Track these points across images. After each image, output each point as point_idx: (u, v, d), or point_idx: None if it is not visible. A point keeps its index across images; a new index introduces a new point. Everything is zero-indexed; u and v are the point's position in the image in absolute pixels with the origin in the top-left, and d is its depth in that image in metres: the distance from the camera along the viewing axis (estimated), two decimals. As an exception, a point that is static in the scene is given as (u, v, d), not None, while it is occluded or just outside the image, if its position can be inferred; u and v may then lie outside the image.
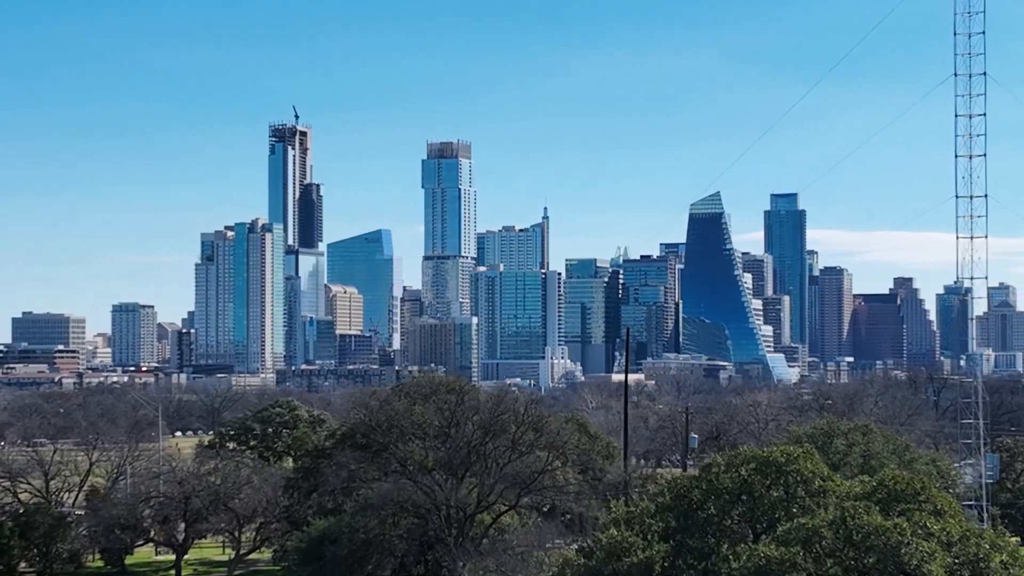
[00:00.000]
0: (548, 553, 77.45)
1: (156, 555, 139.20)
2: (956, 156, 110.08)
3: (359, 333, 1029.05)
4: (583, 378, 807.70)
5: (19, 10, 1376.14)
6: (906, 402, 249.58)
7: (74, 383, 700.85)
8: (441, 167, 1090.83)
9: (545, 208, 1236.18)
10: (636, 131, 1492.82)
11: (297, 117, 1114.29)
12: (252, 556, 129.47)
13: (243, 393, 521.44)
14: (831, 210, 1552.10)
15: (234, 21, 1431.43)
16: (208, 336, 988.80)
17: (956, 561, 55.37)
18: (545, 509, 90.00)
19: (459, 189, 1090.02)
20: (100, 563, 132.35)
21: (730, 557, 54.28)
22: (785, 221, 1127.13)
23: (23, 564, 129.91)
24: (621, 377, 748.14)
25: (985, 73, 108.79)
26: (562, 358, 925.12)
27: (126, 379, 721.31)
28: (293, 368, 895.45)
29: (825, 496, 57.59)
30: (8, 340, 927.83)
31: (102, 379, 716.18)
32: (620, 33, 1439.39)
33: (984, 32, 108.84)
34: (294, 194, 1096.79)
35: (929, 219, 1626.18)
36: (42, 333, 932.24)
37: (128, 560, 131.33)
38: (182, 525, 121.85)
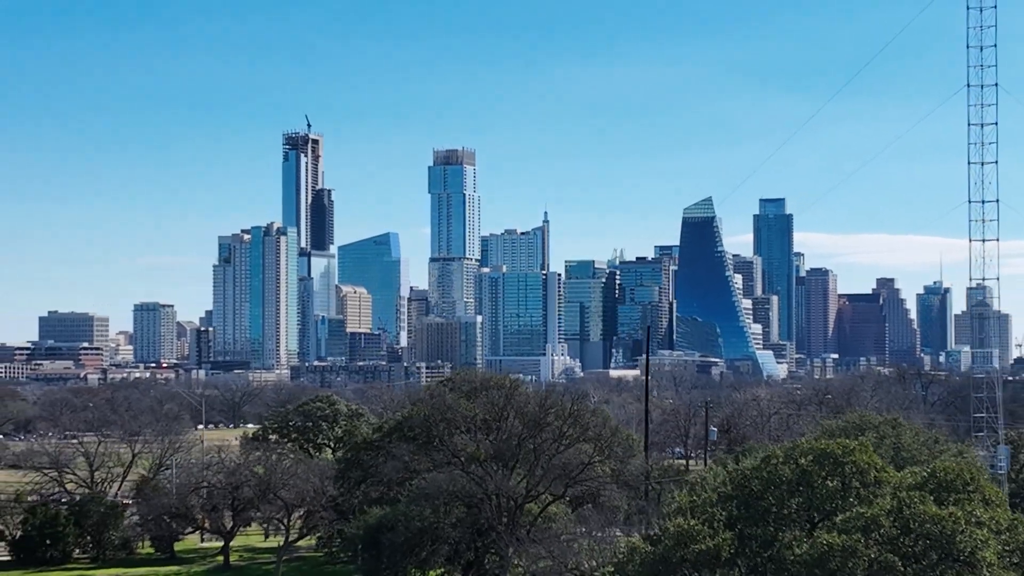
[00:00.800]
0: (598, 541, 77.32)
1: (202, 542, 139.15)
2: (969, 163, 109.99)
3: (368, 331, 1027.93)
4: (582, 374, 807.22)
5: (52, 28, 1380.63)
6: (899, 396, 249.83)
7: (98, 379, 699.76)
8: (447, 173, 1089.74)
9: (545, 212, 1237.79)
10: (632, 139, 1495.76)
11: (309, 126, 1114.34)
12: (305, 542, 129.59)
13: (262, 388, 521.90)
14: (817, 214, 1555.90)
15: (249, 37, 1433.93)
16: (225, 334, 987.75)
17: (1006, 548, 55.41)
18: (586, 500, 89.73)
19: (464, 194, 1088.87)
20: (150, 550, 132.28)
21: (793, 544, 54.15)
22: (773, 225, 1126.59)
23: (76, 551, 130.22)
24: (618, 373, 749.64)
25: (997, 84, 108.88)
26: (562, 355, 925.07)
27: (148, 375, 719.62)
28: (307, 364, 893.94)
29: (880, 487, 57.46)
30: (35, 338, 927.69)
31: (125, 375, 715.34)
32: (617, 46, 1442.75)
33: (995, 45, 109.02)
34: (306, 199, 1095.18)
35: (910, 223, 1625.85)
36: (68, 331, 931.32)
37: (176, 547, 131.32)
38: (229, 513, 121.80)
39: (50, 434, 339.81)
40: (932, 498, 55.45)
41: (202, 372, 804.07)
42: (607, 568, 58.37)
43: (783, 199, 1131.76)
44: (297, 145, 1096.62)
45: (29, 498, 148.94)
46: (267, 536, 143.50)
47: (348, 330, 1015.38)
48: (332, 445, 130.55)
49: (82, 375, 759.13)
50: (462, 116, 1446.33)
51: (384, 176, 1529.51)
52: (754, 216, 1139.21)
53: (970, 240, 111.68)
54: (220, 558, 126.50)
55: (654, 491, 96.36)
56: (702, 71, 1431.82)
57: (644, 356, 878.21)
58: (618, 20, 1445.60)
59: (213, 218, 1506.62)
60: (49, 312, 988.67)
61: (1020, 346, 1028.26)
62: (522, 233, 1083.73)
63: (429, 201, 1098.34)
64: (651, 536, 57.07)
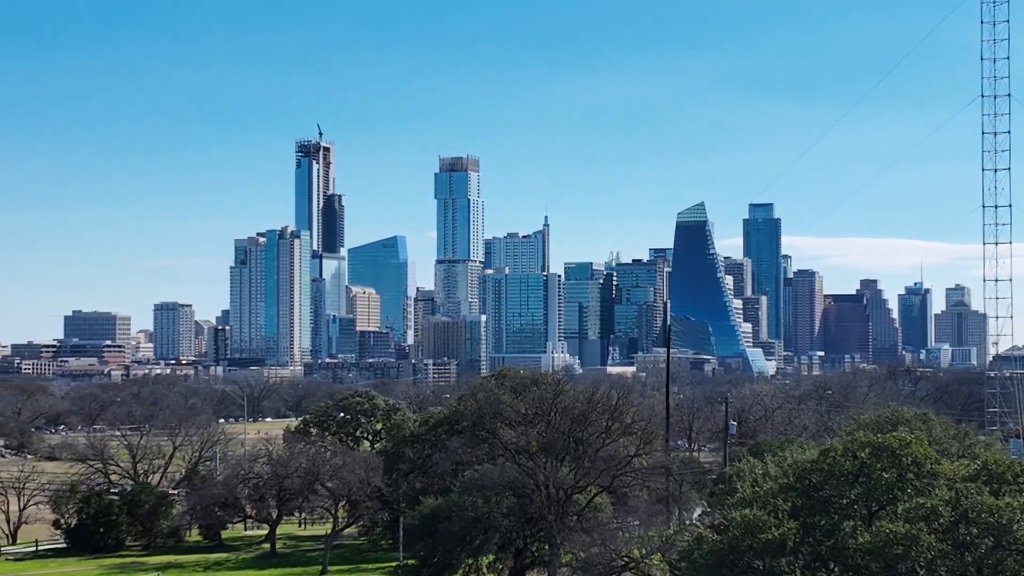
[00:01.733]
0: (645, 530, 77.16)
1: (245, 530, 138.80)
2: (983, 170, 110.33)
3: (377, 330, 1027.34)
4: (581, 371, 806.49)
5: (78, 41, 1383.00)
6: (893, 392, 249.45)
7: (121, 375, 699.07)
8: (452, 179, 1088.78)
9: (546, 216, 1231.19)
10: (628, 147, 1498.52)
11: (321, 134, 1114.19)
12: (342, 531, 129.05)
13: (280, 384, 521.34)
14: (803, 218, 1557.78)
15: (263, 51, 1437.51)
16: (242, 332, 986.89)
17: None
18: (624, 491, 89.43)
19: (468, 199, 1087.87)
20: (198, 537, 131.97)
21: (855, 533, 53.94)
22: (762, 228, 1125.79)
23: (128, 539, 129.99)
24: (616, 369, 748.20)
25: (1009, 95, 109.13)
26: (562, 352, 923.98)
27: (168, 371, 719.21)
28: (319, 361, 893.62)
29: (935, 478, 57.22)
30: (59, 336, 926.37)
31: (146, 371, 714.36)
32: (614, 59, 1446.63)
33: (1008, 57, 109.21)
34: (318, 204, 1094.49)
35: (891, 227, 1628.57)
36: (92, 329, 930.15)
37: (223, 535, 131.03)
38: (274, 503, 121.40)
39: (95, 427, 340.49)
40: (987, 489, 55.26)
41: (220, 368, 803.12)
42: (671, 556, 58.13)
43: (771, 204, 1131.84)
44: (309, 153, 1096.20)
45: (80, 488, 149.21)
46: (302, 525, 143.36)
47: (358, 329, 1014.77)
48: (370, 438, 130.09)
49: (106, 371, 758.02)
50: (467, 125, 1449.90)
51: (392, 182, 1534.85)
52: (744, 220, 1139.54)
53: (983, 243, 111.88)
54: (265, 545, 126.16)
55: (676, 483, 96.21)
56: (695, 82, 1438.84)
57: (631, 353, 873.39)
58: (615, 34, 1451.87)
59: (229, 222, 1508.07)
60: (73, 311, 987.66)
61: (996, 344, 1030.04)
62: (524, 236, 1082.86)
63: (436, 206, 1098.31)
64: (716, 525, 56.81)
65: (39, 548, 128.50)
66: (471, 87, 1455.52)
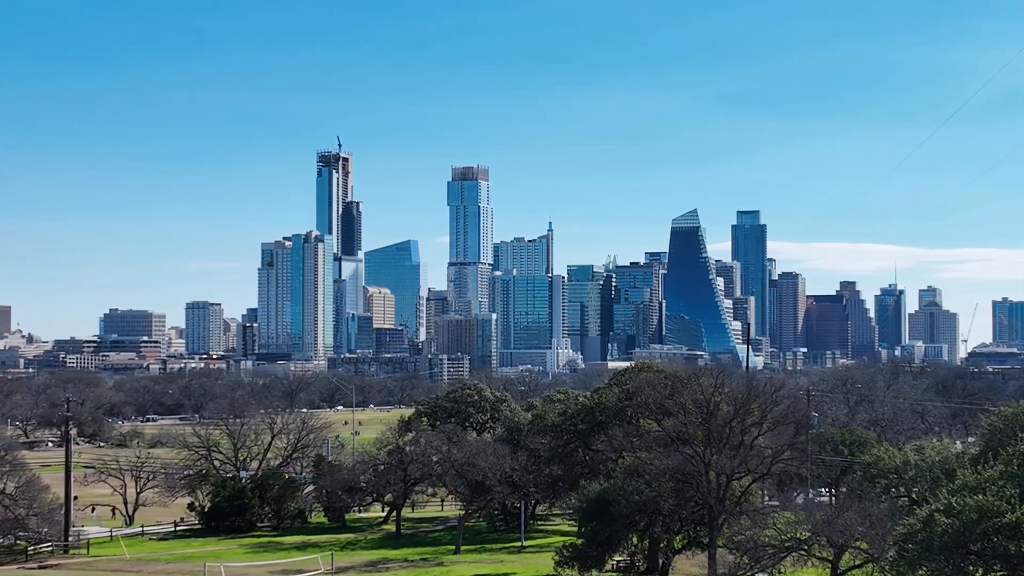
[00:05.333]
0: (811, 511, 76.37)
1: (361, 513, 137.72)
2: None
3: (392, 327, 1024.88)
4: (583, 365, 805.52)
5: (122, 62, 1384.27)
6: (906, 386, 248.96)
7: (159, 369, 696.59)
8: (464, 188, 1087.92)
9: (550, 222, 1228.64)
10: (625, 158, 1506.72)
11: (340, 146, 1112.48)
12: (447, 512, 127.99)
13: (315, 377, 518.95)
14: (787, 224, 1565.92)
15: (286, 68, 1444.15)
16: (268, 329, 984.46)
17: None
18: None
19: (479, 206, 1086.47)
20: (322, 519, 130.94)
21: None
22: (749, 234, 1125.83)
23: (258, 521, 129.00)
24: (615, 364, 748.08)
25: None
26: (565, 348, 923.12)
27: (202, 365, 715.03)
28: (341, 356, 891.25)
29: None
30: (93, 333, 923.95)
31: (182, 365, 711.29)
32: (612, 78, 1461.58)
33: None
34: (337, 210, 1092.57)
35: (866, 232, 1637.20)
36: (129, 327, 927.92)
37: (348, 517, 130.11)
38: (402, 487, 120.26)
39: (148, 418, 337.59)
40: None
41: (249, 363, 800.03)
42: (900, 533, 57.56)
43: (758, 211, 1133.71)
44: (329, 163, 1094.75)
45: (185, 473, 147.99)
46: (412, 507, 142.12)
47: (374, 326, 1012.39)
48: (477, 428, 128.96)
49: (144, 365, 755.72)
50: (477, 137, 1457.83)
51: (405, 190, 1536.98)
52: (732, 226, 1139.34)
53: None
54: (386, 527, 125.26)
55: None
56: (687, 99, 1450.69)
57: (629, 350, 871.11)
58: (614, 55, 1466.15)
59: (254, 227, 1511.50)
60: (111, 309, 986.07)
61: (966, 341, 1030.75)
62: (529, 240, 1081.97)
63: (448, 212, 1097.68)
64: (943, 509, 56.21)
65: (177, 528, 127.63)
66: (481, 103, 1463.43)
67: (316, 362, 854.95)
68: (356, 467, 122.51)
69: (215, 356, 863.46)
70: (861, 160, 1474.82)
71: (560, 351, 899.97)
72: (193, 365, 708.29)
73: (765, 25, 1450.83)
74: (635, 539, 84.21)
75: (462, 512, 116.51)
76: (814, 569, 75.33)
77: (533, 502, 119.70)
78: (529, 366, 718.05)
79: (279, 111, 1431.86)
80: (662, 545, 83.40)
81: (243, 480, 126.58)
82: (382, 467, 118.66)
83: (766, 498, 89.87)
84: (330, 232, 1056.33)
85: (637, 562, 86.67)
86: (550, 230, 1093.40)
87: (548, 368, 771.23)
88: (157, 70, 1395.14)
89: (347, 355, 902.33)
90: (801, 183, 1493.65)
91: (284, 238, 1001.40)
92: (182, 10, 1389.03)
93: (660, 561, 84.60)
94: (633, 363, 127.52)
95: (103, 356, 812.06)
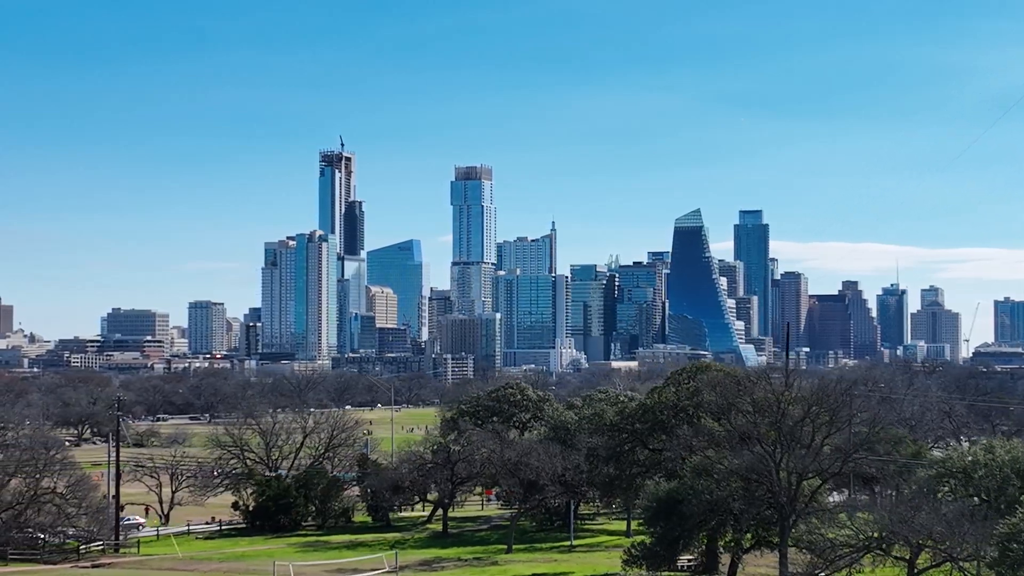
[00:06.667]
0: (886, 512, 76.00)
1: (401, 511, 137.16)
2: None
3: (394, 327, 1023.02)
4: (587, 364, 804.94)
5: (124, 62, 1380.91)
6: (924, 384, 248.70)
7: (163, 368, 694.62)
8: (467, 187, 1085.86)
9: (553, 222, 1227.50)
10: (628, 158, 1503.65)
11: (343, 145, 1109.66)
12: (487, 512, 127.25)
13: (324, 376, 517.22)
14: (788, 224, 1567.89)
15: (288, 68, 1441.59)
16: (272, 328, 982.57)
17: None
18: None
19: (482, 206, 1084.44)
20: (366, 518, 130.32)
21: None
22: (751, 233, 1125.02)
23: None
24: (618, 364, 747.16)
25: None
26: (569, 348, 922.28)
27: (206, 365, 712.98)
28: (344, 356, 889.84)
29: None
30: (96, 332, 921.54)
31: (186, 364, 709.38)
32: (615, 78, 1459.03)
33: None
34: (340, 210, 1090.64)
35: (868, 232, 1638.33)
36: (132, 326, 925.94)
37: (391, 516, 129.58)
38: (449, 486, 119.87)
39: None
40: None
41: (252, 362, 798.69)
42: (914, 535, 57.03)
43: (760, 211, 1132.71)
44: (332, 162, 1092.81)
45: (216, 472, 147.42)
46: (454, 506, 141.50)
47: (377, 326, 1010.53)
48: (520, 427, 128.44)
49: (148, 364, 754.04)
50: (480, 137, 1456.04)
51: (407, 190, 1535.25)
52: (734, 226, 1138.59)
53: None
54: (430, 526, 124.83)
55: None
56: (689, 99, 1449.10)
57: (632, 349, 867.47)
58: (616, 54, 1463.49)
59: (255, 227, 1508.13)
60: (113, 309, 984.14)
61: (968, 341, 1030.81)
62: (532, 240, 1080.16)
63: (451, 212, 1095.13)
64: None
65: (222, 528, 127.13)
66: (481, 103, 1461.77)
67: (320, 362, 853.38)
68: (402, 466, 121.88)
69: (219, 356, 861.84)
70: (861, 160, 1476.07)
71: (563, 351, 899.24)
72: (197, 364, 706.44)
73: (765, 25, 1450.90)
74: (704, 539, 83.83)
75: (505, 511, 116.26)
76: (890, 569, 75.00)
77: (578, 501, 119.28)
78: (533, 365, 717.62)
79: (280, 111, 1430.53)
80: (732, 545, 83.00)
81: (286, 479, 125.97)
82: (429, 466, 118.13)
83: (833, 496, 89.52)
84: (333, 232, 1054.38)
85: (706, 561, 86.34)
86: (553, 230, 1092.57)
87: (551, 368, 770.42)
88: (157, 70, 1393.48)
89: (350, 355, 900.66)
90: (801, 183, 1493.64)
91: (288, 238, 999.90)
92: (182, 10, 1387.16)
93: (730, 559, 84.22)
94: (691, 363, 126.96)
95: (107, 356, 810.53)
